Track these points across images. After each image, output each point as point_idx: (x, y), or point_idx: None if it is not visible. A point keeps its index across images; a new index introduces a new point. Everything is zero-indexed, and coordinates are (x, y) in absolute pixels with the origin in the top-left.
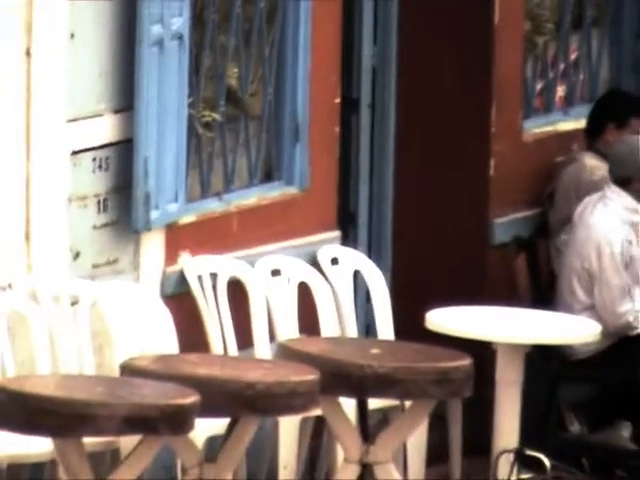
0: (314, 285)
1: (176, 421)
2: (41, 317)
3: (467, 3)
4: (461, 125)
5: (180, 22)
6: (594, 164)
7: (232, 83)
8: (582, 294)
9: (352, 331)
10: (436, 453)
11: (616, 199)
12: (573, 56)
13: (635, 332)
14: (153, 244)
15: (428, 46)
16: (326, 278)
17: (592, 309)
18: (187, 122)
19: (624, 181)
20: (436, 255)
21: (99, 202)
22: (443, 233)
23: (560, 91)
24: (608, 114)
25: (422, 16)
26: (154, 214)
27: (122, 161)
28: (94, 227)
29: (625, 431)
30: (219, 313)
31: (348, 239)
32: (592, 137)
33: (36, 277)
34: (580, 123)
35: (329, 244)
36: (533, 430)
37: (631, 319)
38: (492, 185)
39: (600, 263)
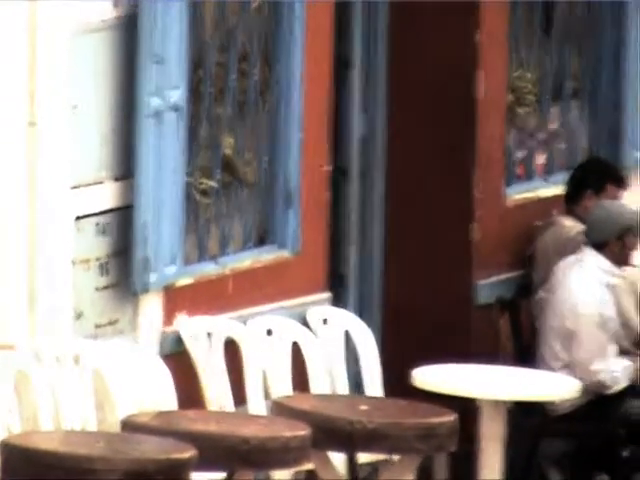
0: (305, 344)
1: (173, 475)
2: (44, 376)
3: (453, 77)
4: (446, 191)
5: (177, 94)
6: (571, 224)
7: (227, 152)
8: (561, 352)
9: (342, 388)
10: None
11: (592, 261)
12: (553, 126)
13: (609, 392)
14: (151, 305)
15: (415, 117)
16: (317, 337)
17: (570, 366)
18: (184, 189)
19: (601, 244)
20: (423, 315)
21: (101, 265)
22: (430, 294)
23: (540, 159)
24: (586, 181)
25: (409, 88)
26: (152, 277)
27: (122, 226)
28: (96, 289)
29: None
30: (215, 371)
31: (338, 300)
32: (571, 202)
33: (40, 337)
34: (560, 189)
35: (320, 305)
36: None
37: (605, 378)
38: (476, 248)
39: (577, 323)
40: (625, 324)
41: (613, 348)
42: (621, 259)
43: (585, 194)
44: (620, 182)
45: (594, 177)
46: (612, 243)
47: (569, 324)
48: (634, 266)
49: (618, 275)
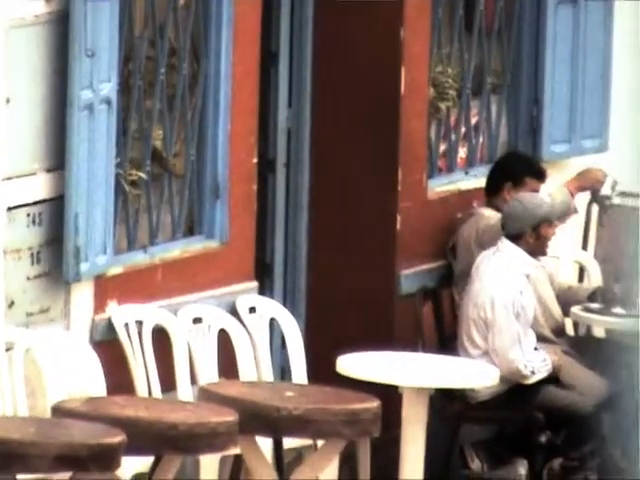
0: (233, 332)
1: (104, 459)
2: None
3: (376, 72)
4: (370, 184)
5: (108, 87)
6: (491, 213)
7: (157, 144)
8: (479, 341)
9: (268, 375)
10: None
11: (509, 252)
12: (474, 120)
13: (527, 381)
14: (83, 294)
15: (340, 110)
16: (244, 326)
17: (489, 355)
18: (115, 180)
19: (517, 236)
20: (348, 304)
21: (32, 255)
22: (354, 284)
23: (462, 153)
24: (506, 174)
25: (335, 82)
26: (84, 266)
27: (54, 216)
28: (28, 278)
29: (522, 468)
30: (144, 358)
31: (265, 289)
32: (491, 195)
33: None
34: (480, 182)
35: (247, 294)
36: (437, 467)
37: (521, 367)
38: (399, 239)
39: (493, 312)
40: (545, 312)
41: (531, 337)
42: (537, 250)
43: (505, 187)
44: (539, 175)
45: (513, 170)
46: (527, 234)
47: (486, 314)
48: (551, 256)
49: (535, 265)
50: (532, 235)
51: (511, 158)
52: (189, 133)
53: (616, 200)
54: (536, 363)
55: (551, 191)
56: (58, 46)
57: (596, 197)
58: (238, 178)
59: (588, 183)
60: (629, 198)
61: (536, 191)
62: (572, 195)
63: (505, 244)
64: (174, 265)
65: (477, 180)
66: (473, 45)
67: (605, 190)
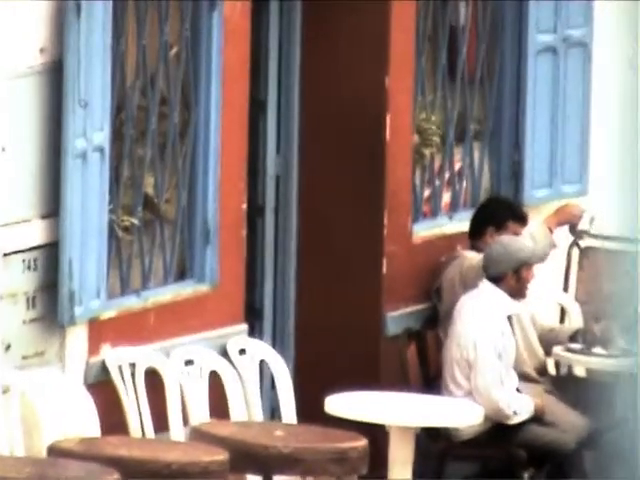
0: (224, 373)
1: None
2: None
3: (362, 120)
4: (357, 229)
5: (101, 136)
6: (473, 255)
7: (149, 191)
8: (462, 381)
9: (258, 415)
10: None
11: (490, 294)
12: (457, 166)
13: (510, 421)
14: (77, 337)
15: (327, 157)
16: (234, 367)
17: (472, 394)
18: (108, 226)
19: (498, 278)
20: (335, 346)
21: (28, 299)
22: (342, 326)
23: (446, 197)
24: (488, 218)
25: (322, 129)
26: (78, 310)
27: (49, 262)
28: (24, 322)
29: None
30: (137, 399)
31: (254, 332)
32: (474, 239)
33: None
34: (464, 226)
35: (237, 336)
36: None
37: (504, 406)
38: (385, 282)
39: (476, 353)
40: (529, 351)
41: (513, 378)
42: (517, 292)
43: (488, 231)
44: (521, 219)
45: (496, 215)
46: (509, 276)
47: (469, 354)
48: (532, 298)
49: (516, 307)
50: (513, 277)
51: (493, 203)
52: (180, 180)
53: (596, 243)
54: (518, 404)
55: (532, 230)
56: (52, 96)
57: (574, 231)
58: (228, 223)
59: (566, 218)
60: (608, 241)
61: (518, 234)
62: (551, 231)
63: (486, 286)
64: (166, 308)
65: (461, 224)
66: (456, 93)
67: (583, 225)
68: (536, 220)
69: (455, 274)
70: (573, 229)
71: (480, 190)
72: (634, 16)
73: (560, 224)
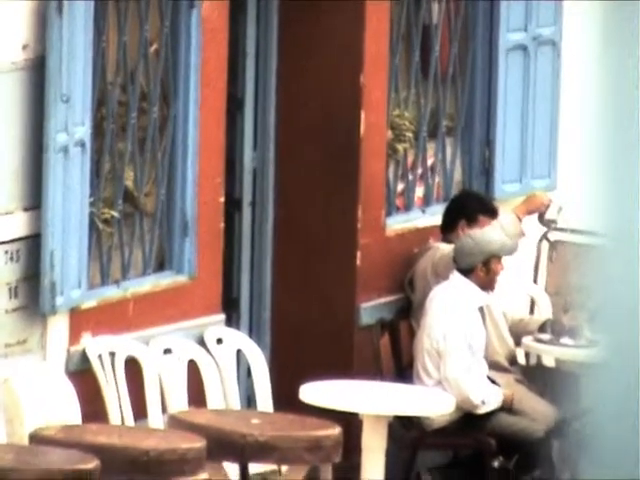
0: (201, 362)
1: None
2: None
3: (337, 116)
4: (331, 222)
5: (83, 131)
6: (445, 245)
7: (129, 184)
8: (433, 371)
9: (235, 403)
10: None
11: (460, 286)
12: (430, 161)
13: (478, 411)
14: (58, 326)
15: (302, 152)
16: (212, 356)
17: (442, 384)
18: (89, 219)
19: (468, 270)
20: (311, 336)
21: (10, 289)
22: (316, 316)
23: (419, 192)
24: (460, 212)
25: (298, 125)
26: (59, 300)
27: (31, 253)
28: (6, 311)
29: None
30: (117, 388)
31: (231, 321)
32: (446, 232)
33: None
34: (436, 220)
35: (214, 326)
36: None
37: (472, 396)
38: (359, 274)
39: (446, 343)
40: (500, 341)
41: (482, 368)
42: (487, 283)
43: (459, 224)
44: (491, 213)
45: (467, 208)
46: (478, 268)
47: (439, 345)
48: (502, 290)
49: (485, 298)
50: (482, 269)
51: (465, 197)
52: (159, 174)
53: (564, 237)
54: (487, 394)
55: (502, 222)
56: (34, 91)
57: (542, 220)
58: (206, 216)
59: (534, 207)
60: (576, 235)
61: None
62: (520, 220)
63: (457, 278)
64: (145, 299)
65: (433, 218)
66: (429, 90)
67: (551, 214)
68: (506, 210)
69: (427, 265)
70: (541, 218)
71: (452, 185)
72: (605, 16)
73: (529, 213)
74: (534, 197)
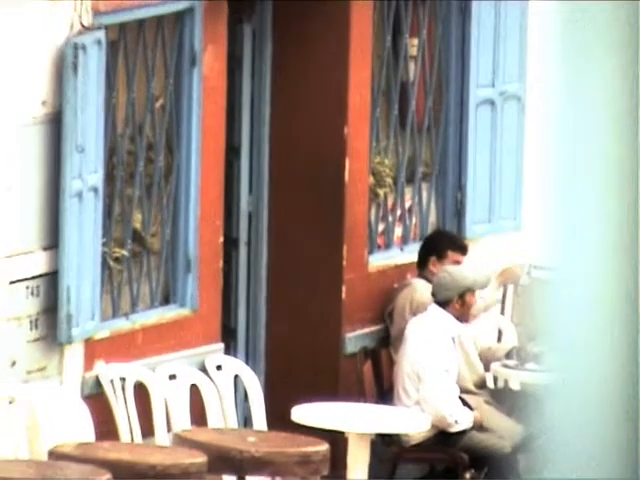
0: (202, 386)
1: None
2: None
3: (324, 164)
4: (319, 259)
5: (95, 178)
6: (422, 288)
7: (137, 226)
8: (412, 392)
9: (233, 423)
10: None
11: (438, 317)
12: (408, 204)
13: (452, 429)
14: (74, 354)
15: (293, 196)
16: (212, 381)
17: (420, 404)
18: (101, 257)
19: (445, 302)
20: (301, 362)
21: (31, 321)
22: (306, 344)
23: (397, 232)
24: (430, 249)
25: (289, 172)
26: (75, 331)
27: (49, 288)
28: (27, 341)
29: None
30: (127, 409)
31: (229, 350)
32: (421, 268)
33: None
34: (414, 257)
35: (214, 354)
36: None
37: (447, 415)
38: (344, 306)
39: (425, 368)
40: (470, 368)
41: (455, 390)
42: (462, 315)
43: (430, 260)
44: (459, 248)
45: (437, 245)
46: (454, 301)
47: (418, 369)
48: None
49: (460, 328)
50: (458, 302)
51: (435, 235)
52: (164, 216)
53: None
54: (460, 414)
55: (483, 295)
56: (52, 142)
57: (516, 289)
58: (206, 255)
59: (509, 280)
60: (538, 271)
61: (458, 263)
62: (497, 288)
63: (434, 309)
64: (152, 329)
65: (411, 255)
66: (406, 140)
67: (523, 281)
68: (478, 255)
69: (405, 303)
70: (515, 287)
71: (428, 225)
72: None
73: (504, 284)
74: (509, 270)
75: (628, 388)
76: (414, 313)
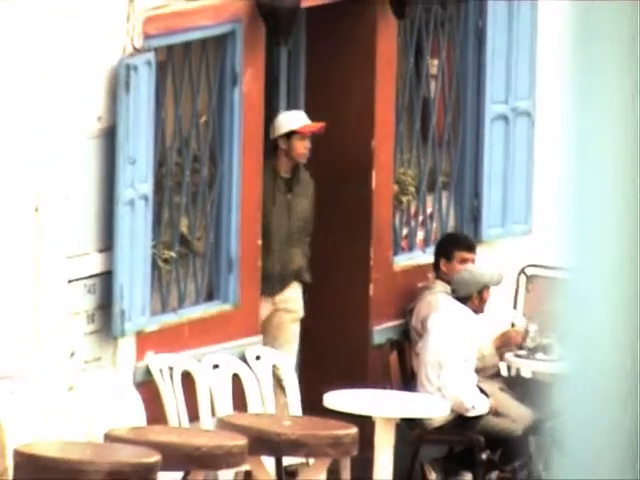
0: (243, 375)
1: (144, 475)
2: (44, 400)
3: (353, 174)
4: (349, 260)
5: (146, 187)
6: (434, 302)
7: (183, 230)
8: (434, 379)
9: (271, 408)
10: None
11: (457, 311)
12: (429, 210)
13: (469, 414)
14: (127, 346)
15: (325, 204)
16: (252, 370)
17: (441, 390)
18: (151, 258)
19: (465, 298)
20: (333, 353)
21: (88, 316)
22: (337, 337)
23: (420, 235)
24: (440, 252)
25: (321, 182)
26: (127, 325)
27: (105, 287)
28: (85, 334)
29: (467, 479)
30: (175, 396)
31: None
32: (435, 269)
33: (43, 370)
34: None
35: (254, 345)
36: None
37: (465, 401)
38: (371, 303)
39: (446, 357)
40: (480, 357)
41: (473, 378)
42: (479, 308)
43: (441, 262)
44: (464, 246)
45: (445, 248)
46: (474, 297)
47: (440, 358)
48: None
49: (478, 320)
50: (477, 297)
51: (444, 238)
52: (208, 221)
53: (538, 272)
54: (477, 400)
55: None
56: (107, 155)
57: (527, 285)
58: (246, 256)
59: (509, 343)
60: (548, 270)
61: (465, 260)
62: (498, 348)
63: (454, 304)
64: (197, 323)
65: (431, 257)
66: (427, 152)
67: (524, 344)
68: (492, 257)
69: (427, 313)
70: (513, 351)
71: (447, 229)
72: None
73: (504, 347)
74: (509, 335)
75: (635, 379)
76: (431, 312)
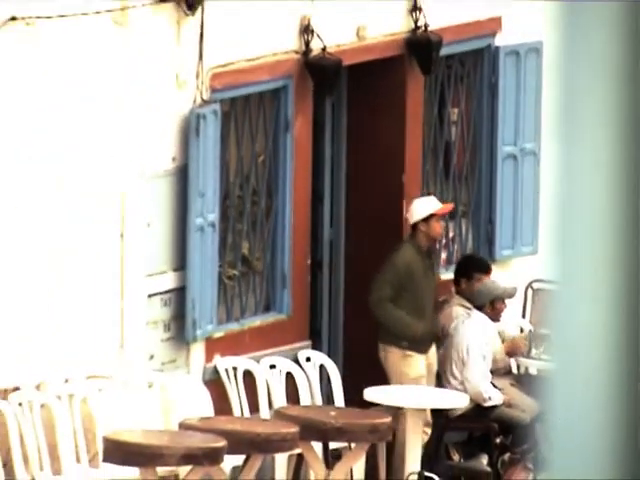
0: (296, 374)
1: (213, 457)
2: (128, 395)
3: (386, 205)
4: None
5: (213, 216)
6: (453, 314)
7: (245, 252)
8: (457, 374)
9: (319, 401)
10: (371, 477)
11: (477, 317)
12: (451, 234)
13: (486, 404)
14: (197, 350)
15: (363, 231)
16: (303, 370)
17: (463, 384)
18: (218, 276)
19: (482, 307)
20: (370, 355)
21: (165, 325)
22: (375, 342)
23: (443, 255)
24: (461, 272)
25: (360, 212)
26: (198, 332)
27: (179, 300)
28: (162, 340)
29: (484, 460)
30: (238, 392)
31: (316, 346)
32: (456, 286)
33: (126, 371)
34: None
35: (304, 349)
36: (429, 460)
37: (483, 392)
38: None
39: (468, 355)
40: (494, 360)
41: (489, 374)
42: (494, 316)
43: (462, 280)
44: (483, 269)
45: (464, 268)
46: (487, 306)
47: (463, 356)
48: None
49: (493, 326)
50: (489, 307)
51: (463, 260)
52: (265, 244)
53: (543, 286)
54: (492, 393)
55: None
56: (180, 190)
57: (534, 296)
58: (298, 274)
59: (515, 350)
60: (550, 284)
61: (483, 280)
62: (508, 354)
63: (474, 312)
64: (256, 331)
65: (452, 274)
66: (449, 186)
67: (529, 353)
68: (506, 274)
69: (446, 324)
70: (518, 359)
71: (466, 251)
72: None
73: (510, 354)
74: (515, 342)
75: (628, 383)
76: (451, 323)
